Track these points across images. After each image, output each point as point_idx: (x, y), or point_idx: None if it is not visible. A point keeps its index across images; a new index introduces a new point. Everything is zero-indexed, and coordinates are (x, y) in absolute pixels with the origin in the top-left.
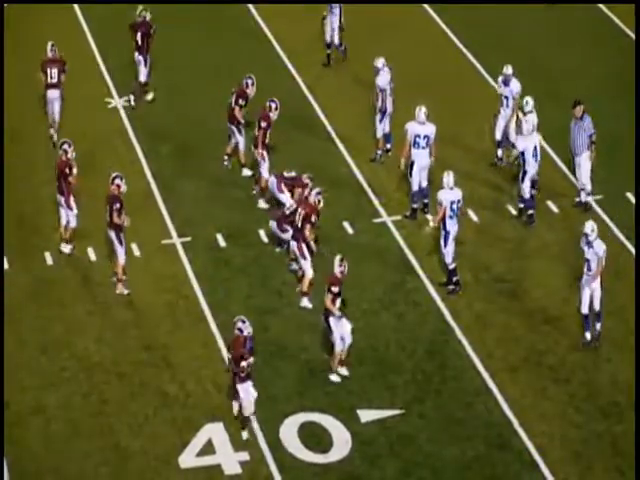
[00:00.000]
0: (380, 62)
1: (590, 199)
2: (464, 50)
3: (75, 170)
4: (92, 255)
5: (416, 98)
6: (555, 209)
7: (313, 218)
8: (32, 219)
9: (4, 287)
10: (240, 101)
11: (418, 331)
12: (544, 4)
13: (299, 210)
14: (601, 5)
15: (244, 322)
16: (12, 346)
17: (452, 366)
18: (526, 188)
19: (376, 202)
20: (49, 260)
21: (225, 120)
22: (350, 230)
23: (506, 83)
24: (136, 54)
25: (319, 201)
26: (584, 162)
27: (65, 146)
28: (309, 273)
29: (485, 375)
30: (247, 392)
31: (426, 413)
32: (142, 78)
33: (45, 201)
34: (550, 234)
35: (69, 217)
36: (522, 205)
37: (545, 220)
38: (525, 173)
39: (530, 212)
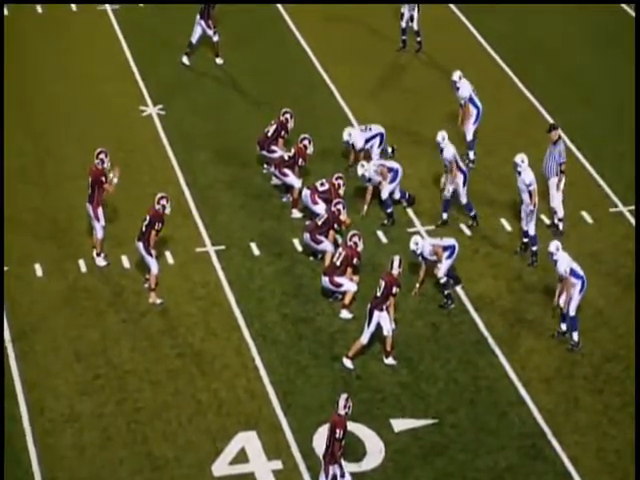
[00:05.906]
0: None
1: (561, 225)
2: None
3: (116, 180)
4: (126, 263)
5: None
6: (589, 219)
7: (355, 261)
8: (66, 226)
9: (38, 295)
10: (283, 133)
11: (452, 341)
12: None
13: (340, 250)
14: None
15: (348, 399)
16: (46, 354)
17: (485, 376)
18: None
19: (410, 212)
20: (83, 268)
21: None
22: (384, 239)
23: (456, 89)
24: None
25: (355, 244)
26: (552, 187)
27: (102, 155)
28: (353, 288)
29: (518, 385)
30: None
31: (459, 423)
32: (215, 38)
33: (79, 208)
34: (584, 244)
35: (96, 228)
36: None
37: (579, 230)
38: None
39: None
